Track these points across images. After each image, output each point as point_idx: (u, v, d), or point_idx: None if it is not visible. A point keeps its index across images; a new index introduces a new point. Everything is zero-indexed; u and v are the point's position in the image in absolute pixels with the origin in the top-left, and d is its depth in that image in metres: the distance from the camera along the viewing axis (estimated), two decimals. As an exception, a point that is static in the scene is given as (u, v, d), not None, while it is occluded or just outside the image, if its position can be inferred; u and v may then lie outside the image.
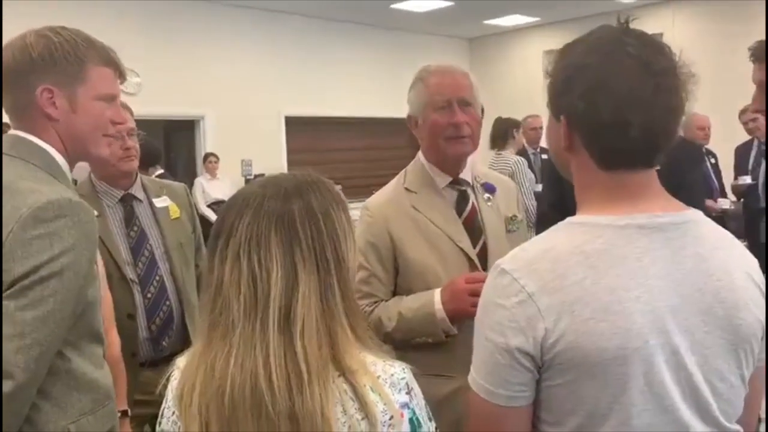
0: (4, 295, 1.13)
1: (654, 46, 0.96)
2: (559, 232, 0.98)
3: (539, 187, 5.25)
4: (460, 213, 1.77)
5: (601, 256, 0.92)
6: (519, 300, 0.92)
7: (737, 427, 1.00)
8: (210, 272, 0.98)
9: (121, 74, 1.38)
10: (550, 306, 0.90)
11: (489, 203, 1.81)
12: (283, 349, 0.91)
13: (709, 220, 1.02)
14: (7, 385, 1.11)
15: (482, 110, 1.80)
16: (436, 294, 1.65)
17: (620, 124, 0.93)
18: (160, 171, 5.12)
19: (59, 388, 1.22)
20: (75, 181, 2.56)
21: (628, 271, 0.92)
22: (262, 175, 1.21)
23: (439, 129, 1.72)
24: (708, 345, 0.94)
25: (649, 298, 0.91)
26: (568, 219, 1.00)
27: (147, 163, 4.79)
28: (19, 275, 1.13)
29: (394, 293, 1.77)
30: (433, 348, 1.68)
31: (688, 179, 2.77)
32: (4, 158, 1.27)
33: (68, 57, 1.28)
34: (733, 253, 1.00)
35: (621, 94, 0.92)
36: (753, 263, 1.02)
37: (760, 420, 2.08)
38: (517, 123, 5.40)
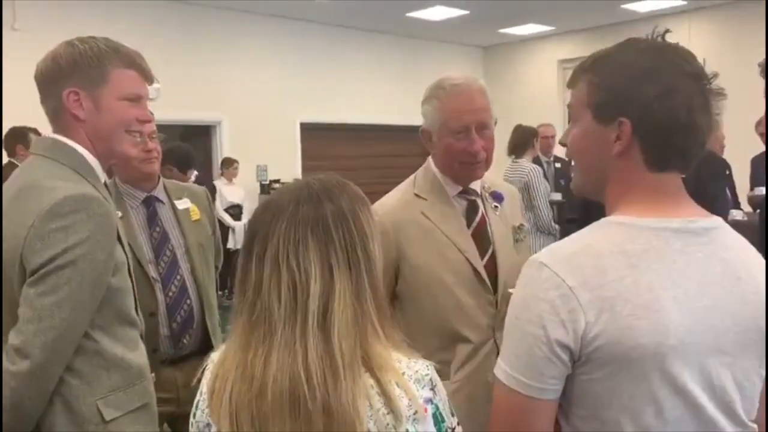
0: (26, 283, 1.25)
1: (693, 57, 1.01)
2: (598, 231, 1.01)
3: (558, 196, 5.26)
4: (469, 223, 1.76)
5: (641, 256, 0.95)
6: (560, 293, 0.94)
7: (754, 425, 1.02)
8: (245, 275, 1.01)
9: (147, 76, 1.49)
10: (591, 301, 0.93)
11: (497, 212, 1.81)
12: (322, 346, 0.94)
13: (730, 227, 1.05)
14: (25, 365, 1.23)
15: (495, 122, 1.77)
16: None
17: (691, 125, 0.98)
18: (196, 173, 5.16)
19: (88, 368, 1.34)
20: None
21: (665, 271, 0.95)
22: (278, 180, 1.23)
23: (455, 154, 1.70)
24: (738, 345, 0.98)
25: (685, 299, 0.95)
26: (607, 218, 1.02)
27: (185, 166, 4.83)
28: (38, 265, 1.24)
29: (392, 301, 1.74)
30: (437, 351, 1.67)
31: (711, 190, 2.79)
32: (38, 159, 1.40)
33: (91, 62, 1.39)
34: (755, 259, 1.04)
35: (690, 98, 0.97)
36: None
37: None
38: (537, 132, 5.41)
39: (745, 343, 0.98)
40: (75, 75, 1.38)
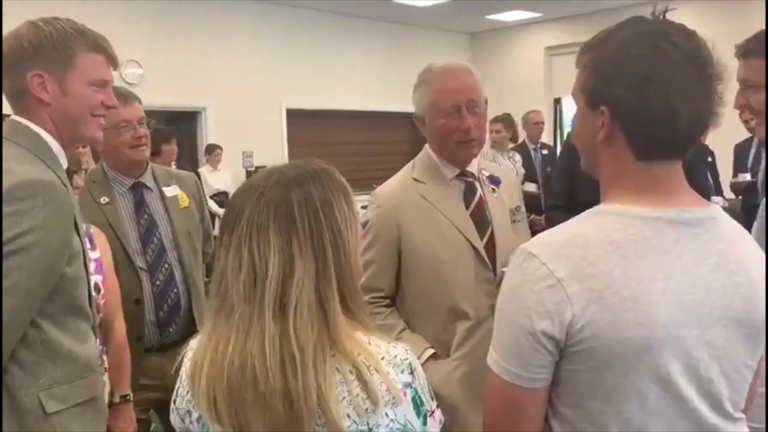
0: None
1: (694, 37, 0.97)
2: (588, 220, 0.99)
3: (533, 186, 5.27)
4: (467, 204, 1.79)
5: (632, 247, 0.94)
6: (548, 285, 0.93)
7: (741, 415, 1.03)
8: (218, 260, 1.02)
9: (112, 61, 1.44)
10: (580, 292, 0.92)
11: (494, 195, 1.84)
12: (278, 332, 0.94)
13: (727, 216, 1.03)
14: None
15: (486, 102, 1.81)
16: (425, 354, 1.70)
17: (669, 114, 0.94)
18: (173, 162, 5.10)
19: (33, 358, 1.29)
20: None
21: (655, 262, 0.93)
22: (263, 167, 1.24)
23: (448, 133, 1.74)
24: (727, 338, 0.96)
25: (675, 291, 0.93)
26: (597, 207, 1.00)
27: (161, 141, 4.72)
28: None
29: (397, 284, 1.80)
30: (439, 330, 1.74)
31: (695, 177, 2.81)
32: None
33: (57, 44, 1.34)
34: (749, 249, 1.02)
35: (669, 85, 0.93)
36: (763, 258, 1.04)
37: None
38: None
39: (735, 336, 0.97)
40: (39, 57, 1.33)
